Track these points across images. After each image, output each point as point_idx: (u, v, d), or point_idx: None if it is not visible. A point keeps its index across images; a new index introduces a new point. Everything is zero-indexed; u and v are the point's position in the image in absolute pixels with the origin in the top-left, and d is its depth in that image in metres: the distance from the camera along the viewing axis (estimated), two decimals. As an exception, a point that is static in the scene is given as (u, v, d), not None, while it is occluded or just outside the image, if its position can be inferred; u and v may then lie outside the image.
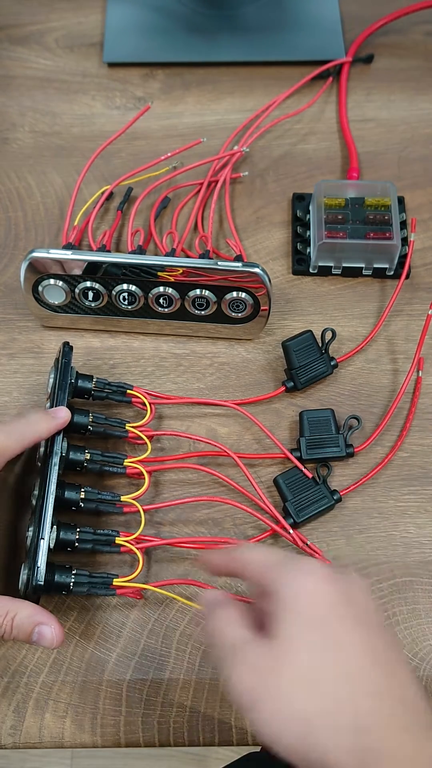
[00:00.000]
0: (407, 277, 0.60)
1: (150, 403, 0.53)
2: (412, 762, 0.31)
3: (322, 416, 0.53)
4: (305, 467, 0.52)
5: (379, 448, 0.54)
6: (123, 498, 0.49)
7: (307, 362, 0.55)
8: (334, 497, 0.51)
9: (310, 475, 0.51)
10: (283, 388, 0.55)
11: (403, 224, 0.62)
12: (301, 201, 0.64)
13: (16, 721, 0.46)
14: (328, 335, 0.55)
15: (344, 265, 0.60)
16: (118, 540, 0.48)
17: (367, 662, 0.33)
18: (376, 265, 0.60)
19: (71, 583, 0.45)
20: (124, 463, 0.50)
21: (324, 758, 0.31)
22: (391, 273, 0.60)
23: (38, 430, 0.47)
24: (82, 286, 0.54)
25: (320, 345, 0.55)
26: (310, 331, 0.55)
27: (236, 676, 0.33)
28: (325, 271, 0.61)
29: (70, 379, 0.50)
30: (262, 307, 0.55)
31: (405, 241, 0.61)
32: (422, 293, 0.60)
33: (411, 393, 0.56)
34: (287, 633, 0.33)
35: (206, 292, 0.54)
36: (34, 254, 0.52)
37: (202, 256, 0.57)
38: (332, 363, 0.56)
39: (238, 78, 0.72)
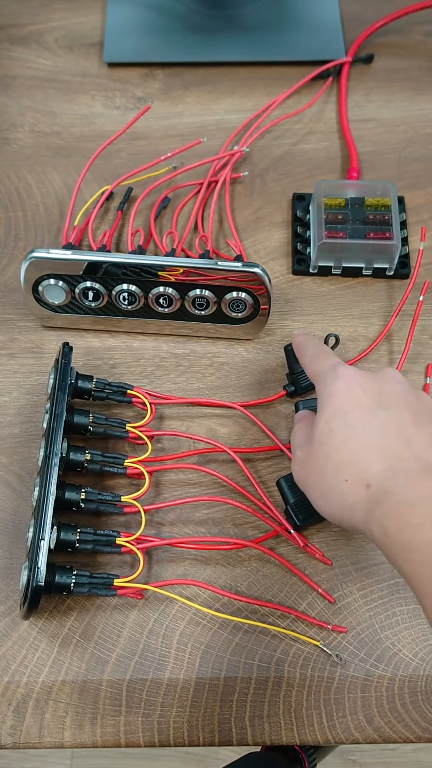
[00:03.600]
0: (410, 278, 0.60)
1: (150, 404, 0.53)
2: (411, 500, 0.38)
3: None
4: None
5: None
6: (123, 498, 0.49)
7: None
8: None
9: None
10: (284, 392, 0.55)
11: (403, 224, 0.62)
12: (301, 201, 0.64)
13: (16, 721, 0.46)
14: (332, 341, 0.55)
15: (344, 265, 0.60)
16: (119, 540, 0.48)
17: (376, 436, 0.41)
18: (376, 265, 0.60)
19: (72, 584, 0.45)
20: (125, 464, 0.50)
21: (352, 516, 0.40)
22: (391, 273, 0.60)
23: None
24: (82, 286, 0.54)
25: None
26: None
27: (294, 470, 0.45)
28: (325, 271, 0.61)
29: (70, 380, 0.50)
30: (262, 307, 0.55)
31: (405, 241, 0.61)
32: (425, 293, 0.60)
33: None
34: (318, 429, 0.43)
35: (206, 292, 0.54)
36: (34, 254, 0.53)
37: (202, 256, 0.57)
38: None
39: (238, 78, 0.72)
